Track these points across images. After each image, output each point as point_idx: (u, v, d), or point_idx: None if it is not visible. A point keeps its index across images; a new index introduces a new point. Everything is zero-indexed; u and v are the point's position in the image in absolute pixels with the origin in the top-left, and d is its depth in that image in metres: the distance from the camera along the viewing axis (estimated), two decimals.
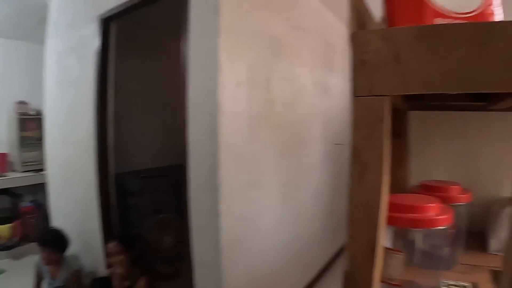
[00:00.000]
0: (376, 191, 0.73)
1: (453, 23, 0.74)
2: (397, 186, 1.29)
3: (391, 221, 0.88)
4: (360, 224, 0.75)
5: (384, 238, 0.83)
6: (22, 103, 4.36)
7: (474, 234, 1.22)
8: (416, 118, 1.47)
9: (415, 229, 0.95)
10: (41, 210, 4.34)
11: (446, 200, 1.11)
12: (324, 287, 3.18)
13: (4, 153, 4.32)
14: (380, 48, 0.69)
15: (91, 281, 2.68)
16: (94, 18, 2.87)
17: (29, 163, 4.34)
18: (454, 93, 0.70)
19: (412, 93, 0.68)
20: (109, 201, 2.93)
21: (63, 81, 3.33)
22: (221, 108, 1.92)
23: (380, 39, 0.69)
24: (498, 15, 0.80)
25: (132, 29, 3.20)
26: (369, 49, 0.70)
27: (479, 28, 0.67)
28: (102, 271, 2.89)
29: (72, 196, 3.31)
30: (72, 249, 3.12)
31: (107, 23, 2.80)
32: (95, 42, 2.83)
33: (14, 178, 4.22)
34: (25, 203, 4.34)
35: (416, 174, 1.40)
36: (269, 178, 2.48)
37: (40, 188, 4.30)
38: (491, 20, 0.79)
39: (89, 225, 3.06)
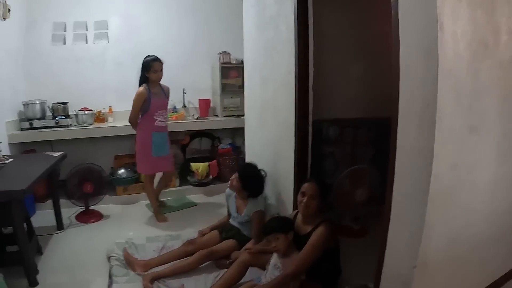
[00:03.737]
0: None
1: None
2: None
3: None
4: None
5: None
6: (224, 53, 4.79)
7: None
8: None
9: None
10: (237, 152, 4.82)
11: None
12: None
13: (208, 99, 4.88)
14: None
15: (270, 218, 2.76)
16: None
17: (229, 109, 4.81)
18: None
19: None
20: (306, 144, 2.93)
21: (261, 23, 3.48)
22: (440, 23, 1.63)
23: None
24: None
25: None
26: None
27: None
28: (287, 213, 2.95)
29: (267, 137, 3.48)
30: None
31: None
32: None
33: (215, 122, 4.76)
34: (223, 146, 4.87)
35: None
36: (491, 124, 2.07)
37: (238, 133, 4.73)
38: None
39: (282, 166, 3.16)
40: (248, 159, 3.93)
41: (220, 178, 4.70)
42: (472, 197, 2.07)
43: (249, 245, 2.75)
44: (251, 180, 3.02)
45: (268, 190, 3.38)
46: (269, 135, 3.43)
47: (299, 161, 2.88)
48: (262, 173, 3.11)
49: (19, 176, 2.76)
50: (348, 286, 2.32)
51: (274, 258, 2.47)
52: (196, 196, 4.23)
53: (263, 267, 2.57)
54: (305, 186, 2.46)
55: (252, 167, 3.14)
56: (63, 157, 3.60)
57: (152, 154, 3.69)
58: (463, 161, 1.93)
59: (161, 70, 3.61)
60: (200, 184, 4.55)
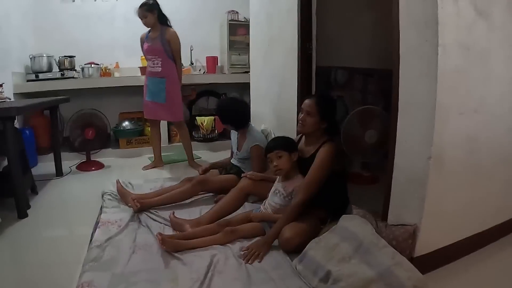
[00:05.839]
0: None
1: None
2: None
3: None
4: None
5: None
6: (232, 11, 4.65)
7: None
8: None
9: None
10: None
11: None
12: None
13: (215, 57, 4.76)
14: None
15: (273, 138, 2.55)
16: None
17: (237, 66, 4.68)
18: None
19: None
20: (310, 68, 2.74)
21: None
22: None
23: None
24: None
25: None
26: None
27: None
28: None
29: (272, 70, 3.30)
30: (266, 124, 3.21)
31: None
32: None
33: (222, 76, 4.68)
34: None
35: None
36: (501, 15, 1.86)
37: (245, 89, 4.55)
38: None
39: (286, 95, 3.00)
40: (253, 94, 3.85)
41: (226, 135, 4.49)
42: (488, 93, 1.87)
43: (250, 173, 2.53)
44: (228, 115, 2.91)
45: (272, 124, 3.25)
46: (274, 68, 3.27)
47: (303, 85, 2.69)
48: (240, 104, 2.96)
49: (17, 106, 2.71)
50: (355, 209, 2.07)
51: (275, 184, 2.26)
52: (201, 152, 4.06)
53: (264, 197, 2.36)
54: (304, 103, 2.27)
55: (226, 102, 3.05)
56: (64, 99, 3.51)
57: (146, 97, 3.63)
58: (473, 44, 1.74)
59: (146, 17, 3.39)
60: (205, 139, 4.38)
